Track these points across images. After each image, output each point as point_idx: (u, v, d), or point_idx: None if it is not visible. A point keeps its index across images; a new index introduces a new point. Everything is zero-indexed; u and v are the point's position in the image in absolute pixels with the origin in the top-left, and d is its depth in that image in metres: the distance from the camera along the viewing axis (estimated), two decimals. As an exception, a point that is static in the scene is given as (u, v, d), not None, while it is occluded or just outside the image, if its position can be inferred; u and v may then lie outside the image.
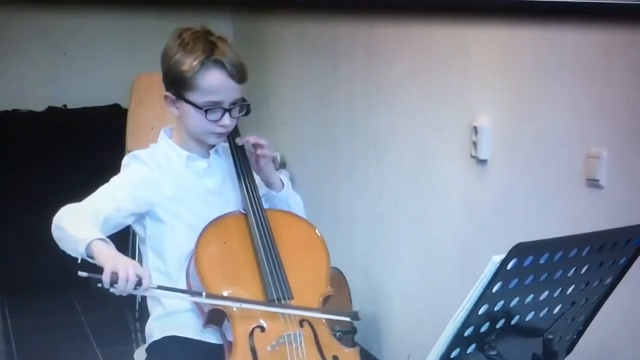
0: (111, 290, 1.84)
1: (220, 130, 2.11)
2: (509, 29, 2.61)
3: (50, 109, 5.03)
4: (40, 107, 5.01)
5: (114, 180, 2.14)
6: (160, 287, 1.94)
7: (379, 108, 3.55)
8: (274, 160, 4.63)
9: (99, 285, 1.83)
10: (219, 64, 2.06)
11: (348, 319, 2.08)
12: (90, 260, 1.90)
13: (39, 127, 4.88)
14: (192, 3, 2.46)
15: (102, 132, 4.74)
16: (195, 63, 2.04)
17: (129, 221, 2.12)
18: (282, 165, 4.54)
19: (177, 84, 2.08)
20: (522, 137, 2.67)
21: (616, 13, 1.92)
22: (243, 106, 2.13)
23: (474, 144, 2.86)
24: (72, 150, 4.76)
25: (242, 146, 2.21)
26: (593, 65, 2.36)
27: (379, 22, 3.43)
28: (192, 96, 2.07)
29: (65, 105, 5.07)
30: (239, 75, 2.09)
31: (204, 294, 1.99)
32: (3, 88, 4.96)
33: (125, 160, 2.17)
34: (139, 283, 1.84)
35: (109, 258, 1.86)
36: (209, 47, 2.06)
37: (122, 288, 1.83)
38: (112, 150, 4.23)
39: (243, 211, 2.16)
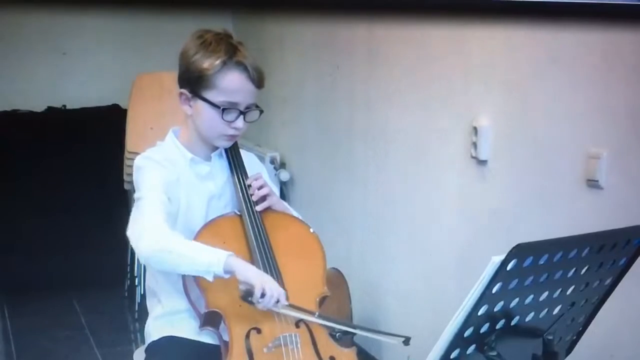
0: (256, 304, 1.93)
1: (232, 132, 2.11)
2: (509, 29, 2.61)
3: (50, 109, 5.03)
4: (40, 107, 5.01)
5: (147, 186, 2.08)
6: (291, 306, 2.00)
7: (379, 108, 3.55)
8: (273, 160, 4.64)
9: (249, 299, 1.93)
10: (241, 65, 2.07)
11: (399, 342, 2.08)
12: (221, 275, 1.94)
13: (38, 127, 4.88)
14: (192, 3, 2.45)
15: (102, 133, 4.74)
16: (217, 62, 2.05)
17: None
18: (282, 165, 4.54)
19: (195, 82, 2.09)
20: (522, 137, 2.67)
21: (616, 14, 1.92)
22: (256, 112, 2.13)
23: (474, 144, 2.86)
24: (71, 151, 4.76)
25: (237, 148, 2.21)
26: (593, 66, 2.36)
27: (379, 23, 3.43)
28: (210, 95, 2.08)
29: (64, 106, 5.07)
30: (259, 79, 2.10)
31: (316, 313, 2.04)
32: (3, 88, 4.96)
33: (139, 162, 2.13)
34: (278, 300, 1.94)
35: (255, 272, 1.97)
36: (231, 49, 2.08)
37: (266, 303, 1.93)
38: (111, 151, 4.24)
39: (238, 212, 2.16)
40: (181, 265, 1.98)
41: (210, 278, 1.94)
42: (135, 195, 2.08)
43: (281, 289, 1.96)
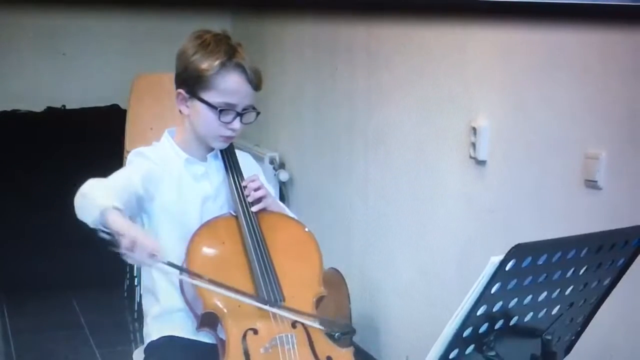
0: (126, 257, 1.85)
1: (229, 133, 2.12)
2: (508, 30, 2.62)
3: (50, 110, 5.03)
4: (39, 107, 5.01)
5: (126, 168, 2.13)
6: (169, 264, 1.93)
7: (378, 109, 3.55)
8: (273, 161, 4.64)
9: (115, 249, 1.84)
10: (240, 67, 2.08)
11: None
12: (102, 229, 1.89)
13: (38, 127, 4.88)
14: (191, 3, 2.45)
15: (101, 133, 4.74)
16: (216, 63, 2.05)
17: (133, 203, 2.07)
18: (281, 165, 4.54)
19: (193, 83, 2.09)
20: (521, 138, 2.68)
21: (614, 14, 1.93)
22: (253, 113, 2.14)
23: (473, 144, 2.86)
24: (71, 151, 4.76)
25: (232, 149, 2.21)
26: (591, 67, 2.36)
27: (378, 24, 3.43)
28: (208, 95, 2.08)
29: (64, 106, 5.07)
30: (257, 81, 2.11)
31: (206, 277, 1.99)
32: (2, 88, 4.96)
33: (130, 157, 2.16)
34: (153, 254, 1.85)
35: (129, 227, 1.87)
36: (230, 50, 2.08)
37: (138, 257, 1.84)
38: (111, 151, 4.23)
39: (234, 213, 2.16)
40: (83, 210, 1.94)
41: (90, 223, 1.91)
42: None
43: (156, 243, 1.87)
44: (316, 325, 2.06)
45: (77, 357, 3.91)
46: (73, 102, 5.06)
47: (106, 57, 5.12)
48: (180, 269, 1.99)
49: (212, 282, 1.98)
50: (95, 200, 1.91)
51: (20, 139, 4.79)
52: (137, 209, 2.10)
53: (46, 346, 3.99)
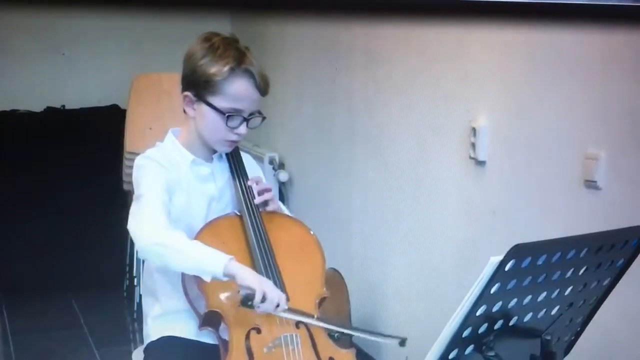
0: (256, 308, 1.94)
1: (235, 137, 2.12)
2: (507, 30, 2.62)
3: (49, 110, 5.03)
4: (38, 107, 5.00)
5: (153, 185, 2.08)
6: (290, 310, 2.01)
7: (377, 109, 3.55)
8: (272, 161, 4.64)
9: (249, 303, 1.93)
10: (248, 73, 2.07)
11: (395, 343, 2.09)
12: (220, 278, 1.95)
13: (37, 127, 4.88)
14: (191, 3, 2.45)
15: (101, 133, 4.74)
16: (225, 69, 2.05)
17: None
18: (281, 166, 4.54)
19: (201, 86, 2.08)
20: (520, 138, 2.68)
21: (613, 14, 1.93)
22: (259, 118, 2.14)
23: (473, 145, 2.86)
24: (70, 151, 4.76)
25: (237, 150, 2.21)
26: (591, 67, 2.36)
27: (377, 24, 3.43)
28: (215, 100, 2.08)
29: (63, 106, 5.07)
30: (264, 87, 2.11)
31: (315, 316, 2.06)
32: (1, 88, 4.95)
33: (140, 162, 2.13)
34: (278, 305, 1.95)
35: (256, 278, 1.97)
36: (239, 55, 2.07)
37: (267, 308, 1.95)
38: (110, 151, 4.24)
39: (238, 213, 2.16)
40: (179, 262, 1.98)
41: (207, 279, 1.94)
42: (136, 193, 2.08)
43: (281, 294, 1.97)
44: (320, 323, 2.06)
45: (76, 358, 3.90)
46: (73, 102, 5.05)
47: (106, 57, 5.12)
48: (304, 316, 2.05)
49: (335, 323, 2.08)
50: (203, 252, 1.96)
51: (20, 139, 4.79)
52: None
53: (45, 346, 3.99)
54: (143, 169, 2.11)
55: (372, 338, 2.20)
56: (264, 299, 1.92)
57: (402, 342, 2.05)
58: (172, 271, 2.10)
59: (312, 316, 2.05)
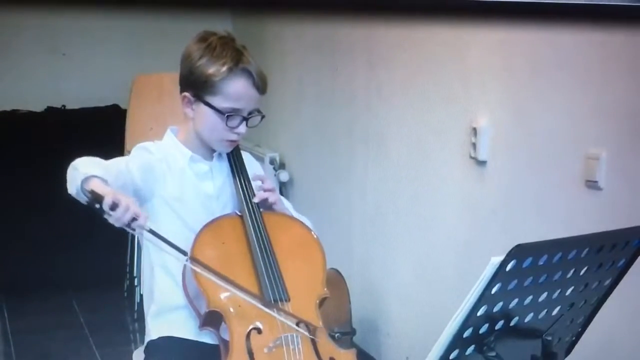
0: (107, 217, 1.84)
1: (234, 137, 2.12)
2: (508, 30, 2.62)
3: (50, 110, 5.03)
4: (39, 107, 5.01)
5: (124, 157, 2.12)
6: (152, 231, 1.92)
7: (378, 109, 3.55)
8: (273, 161, 4.64)
9: (97, 206, 1.83)
10: (247, 72, 2.08)
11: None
12: (83, 197, 1.88)
13: (38, 127, 4.88)
14: (192, 3, 2.45)
15: (101, 133, 4.73)
16: (223, 69, 2.05)
17: (129, 191, 2.05)
18: (281, 166, 4.54)
19: (200, 87, 2.08)
20: (521, 138, 2.67)
21: (614, 15, 1.93)
22: (258, 117, 2.14)
23: (473, 145, 2.86)
24: (71, 151, 4.71)
25: (238, 149, 2.21)
26: (591, 67, 2.36)
27: (378, 24, 3.43)
28: (214, 100, 2.08)
29: (64, 106, 5.07)
30: (263, 85, 2.11)
31: (188, 255, 1.98)
32: (2, 88, 4.96)
33: (133, 151, 2.15)
34: (135, 217, 1.85)
35: (112, 191, 1.87)
36: (236, 54, 2.08)
37: (120, 216, 1.83)
38: (111, 151, 4.19)
39: (239, 213, 2.16)
40: (71, 181, 1.94)
41: (72, 191, 1.91)
42: None
43: (139, 210, 1.87)
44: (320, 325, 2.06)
45: (76, 358, 3.91)
46: (73, 102, 5.05)
47: (106, 57, 5.12)
48: (163, 239, 1.94)
49: (198, 263, 1.98)
50: (83, 169, 1.91)
51: (20, 139, 4.79)
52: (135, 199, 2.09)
53: (46, 346, 3.99)
54: (132, 157, 2.13)
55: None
56: (114, 206, 1.82)
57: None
58: (172, 266, 2.10)
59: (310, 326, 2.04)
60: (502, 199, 2.79)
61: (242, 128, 2.11)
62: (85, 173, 1.89)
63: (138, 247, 4.26)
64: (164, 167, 2.13)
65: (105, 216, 1.84)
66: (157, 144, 2.19)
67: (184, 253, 1.97)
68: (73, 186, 1.93)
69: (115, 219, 1.84)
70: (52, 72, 5.12)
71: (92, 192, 1.85)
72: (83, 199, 1.88)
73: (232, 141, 2.14)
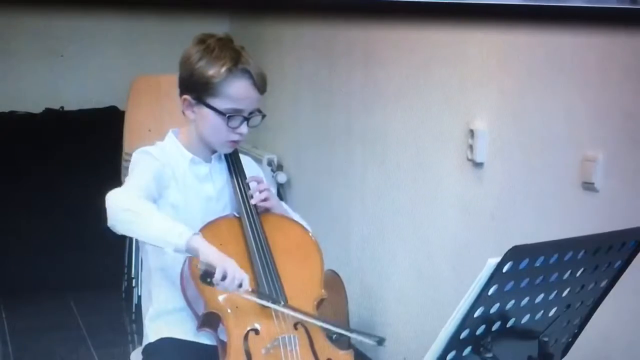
0: (216, 286, 1.91)
1: (236, 137, 2.13)
2: (506, 32, 2.62)
3: (48, 111, 5.03)
4: (37, 109, 5.00)
5: (140, 171, 2.11)
6: (252, 293, 1.99)
7: (375, 111, 3.55)
8: (271, 162, 4.64)
9: (208, 280, 1.90)
10: (246, 73, 2.08)
11: (373, 342, 2.08)
12: (178, 253, 1.95)
13: (36, 129, 4.88)
14: (189, 5, 2.46)
15: (100, 134, 4.74)
16: (223, 70, 2.06)
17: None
18: (279, 167, 4.54)
19: (200, 89, 2.09)
20: (519, 140, 2.68)
21: (612, 17, 1.93)
22: (259, 117, 2.15)
23: (471, 147, 2.87)
24: (69, 152, 4.76)
25: (236, 151, 2.22)
26: (589, 69, 2.37)
27: (376, 25, 3.44)
28: (215, 102, 2.09)
29: (62, 107, 5.07)
30: (262, 85, 2.12)
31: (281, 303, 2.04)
32: (0, 90, 4.95)
33: (136, 156, 2.15)
34: (240, 284, 1.92)
35: (218, 255, 1.93)
36: (235, 55, 2.08)
37: (228, 286, 1.90)
38: (109, 153, 4.24)
39: (237, 214, 2.17)
40: (145, 230, 1.96)
41: (169, 250, 1.93)
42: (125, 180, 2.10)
43: (244, 273, 1.94)
44: (320, 323, 2.06)
45: (74, 359, 3.90)
46: (71, 104, 5.05)
47: (104, 59, 5.12)
48: (264, 297, 2.02)
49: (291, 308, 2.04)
50: (169, 222, 1.94)
51: (19, 141, 4.79)
52: None
53: (44, 347, 3.99)
54: (137, 162, 2.13)
55: (350, 335, 2.18)
56: (224, 277, 1.89)
57: (381, 342, 2.05)
58: (171, 269, 2.11)
59: (308, 313, 2.05)
60: (499, 200, 2.79)
61: (244, 128, 2.12)
62: (182, 233, 1.92)
63: (136, 249, 4.28)
64: (169, 172, 2.13)
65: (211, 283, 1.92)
66: (158, 146, 2.19)
67: (279, 302, 2.03)
68: (154, 239, 1.96)
69: (223, 288, 1.92)
70: (50, 74, 5.12)
71: (206, 271, 1.90)
72: (181, 254, 1.96)
73: (234, 142, 2.15)
